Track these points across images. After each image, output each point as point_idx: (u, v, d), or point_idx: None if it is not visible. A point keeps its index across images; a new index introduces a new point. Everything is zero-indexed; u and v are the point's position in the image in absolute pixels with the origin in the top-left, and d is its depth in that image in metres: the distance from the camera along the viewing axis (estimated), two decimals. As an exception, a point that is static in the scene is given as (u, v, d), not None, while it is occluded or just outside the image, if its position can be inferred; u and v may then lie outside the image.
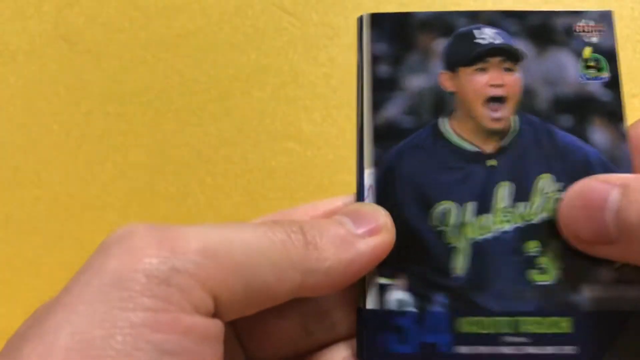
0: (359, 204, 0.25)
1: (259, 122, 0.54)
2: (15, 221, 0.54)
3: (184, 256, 0.19)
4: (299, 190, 0.52)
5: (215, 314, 0.20)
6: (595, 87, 0.26)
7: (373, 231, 0.24)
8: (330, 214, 0.25)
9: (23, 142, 0.55)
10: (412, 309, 0.24)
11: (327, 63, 0.55)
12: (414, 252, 0.25)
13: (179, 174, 0.54)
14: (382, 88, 0.26)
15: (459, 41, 0.27)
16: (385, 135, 0.26)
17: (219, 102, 0.55)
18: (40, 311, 0.20)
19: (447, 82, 0.27)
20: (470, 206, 0.25)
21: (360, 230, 0.24)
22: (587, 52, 0.27)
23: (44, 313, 0.19)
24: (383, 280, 0.25)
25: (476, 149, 0.26)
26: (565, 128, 0.26)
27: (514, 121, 0.27)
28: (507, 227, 0.25)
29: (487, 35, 0.27)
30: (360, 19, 0.27)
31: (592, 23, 0.27)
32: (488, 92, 0.27)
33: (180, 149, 0.54)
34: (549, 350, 0.23)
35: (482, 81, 0.27)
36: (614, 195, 0.22)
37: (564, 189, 0.25)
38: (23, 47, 0.57)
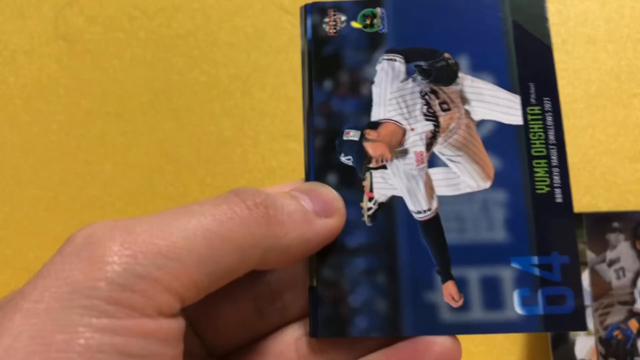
0: (315, 184, 0.25)
1: (259, 122, 0.54)
2: (15, 221, 0.54)
3: (147, 260, 0.19)
4: (299, 190, 0.52)
5: (178, 312, 0.20)
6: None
7: (328, 212, 0.24)
8: None
9: (23, 142, 0.55)
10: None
11: (327, 63, 0.55)
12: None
13: (179, 174, 0.54)
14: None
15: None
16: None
17: (219, 102, 0.55)
18: None
19: None
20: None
21: (317, 209, 0.24)
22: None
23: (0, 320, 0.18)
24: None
25: None
26: None
27: None
28: None
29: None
30: (304, 7, 0.28)
31: None
32: None
33: (180, 149, 0.54)
34: None
35: None
36: None
37: None
38: (23, 47, 0.57)
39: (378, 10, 0.27)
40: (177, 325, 0.20)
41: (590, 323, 0.47)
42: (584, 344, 0.47)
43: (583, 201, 0.51)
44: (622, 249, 0.48)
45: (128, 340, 0.18)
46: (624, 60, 0.54)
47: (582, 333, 0.47)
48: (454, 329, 0.24)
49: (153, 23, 0.57)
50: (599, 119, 0.53)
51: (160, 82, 0.55)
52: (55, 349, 0.17)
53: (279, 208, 0.22)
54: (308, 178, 0.26)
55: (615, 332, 0.47)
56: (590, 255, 0.48)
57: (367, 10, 0.27)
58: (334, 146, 0.26)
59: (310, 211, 0.23)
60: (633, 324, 0.47)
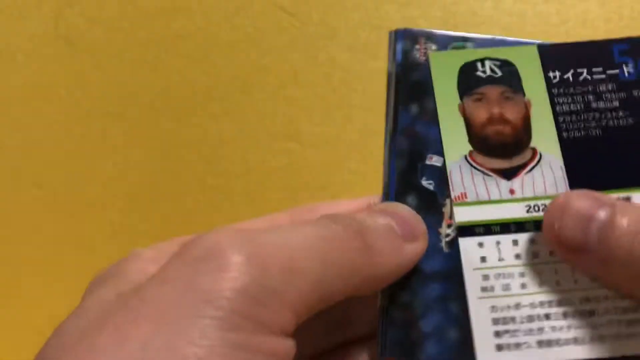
0: (395, 205, 0.25)
1: (259, 122, 0.54)
2: (15, 221, 0.54)
3: (273, 275, 0.19)
4: (298, 190, 0.52)
5: (292, 333, 0.20)
6: None
7: (415, 236, 0.24)
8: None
9: (23, 142, 0.55)
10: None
11: (327, 63, 0.55)
12: None
13: (179, 174, 0.54)
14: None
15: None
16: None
17: (219, 102, 0.55)
18: (108, 323, 0.18)
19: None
20: None
21: (404, 233, 0.23)
22: None
23: (120, 323, 0.18)
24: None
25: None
26: None
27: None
28: None
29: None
30: (395, 32, 0.28)
31: None
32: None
33: (180, 149, 0.54)
34: None
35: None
36: (603, 212, 0.22)
37: None
38: (23, 47, 0.57)
39: (469, 45, 0.28)
40: (292, 346, 0.20)
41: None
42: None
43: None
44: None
45: (255, 357, 0.18)
46: (624, 61, 0.54)
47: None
48: None
49: (153, 23, 0.57)
50: (598, 119, 0.53)
51: (160, 82, 0.56)
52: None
53: (375, 236, 0.22)
54: (387, 198, 0.26)
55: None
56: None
57: (458, 44, 0.28)
58: (416, 169, 0.26)
59: (399, 237, 0.23)
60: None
